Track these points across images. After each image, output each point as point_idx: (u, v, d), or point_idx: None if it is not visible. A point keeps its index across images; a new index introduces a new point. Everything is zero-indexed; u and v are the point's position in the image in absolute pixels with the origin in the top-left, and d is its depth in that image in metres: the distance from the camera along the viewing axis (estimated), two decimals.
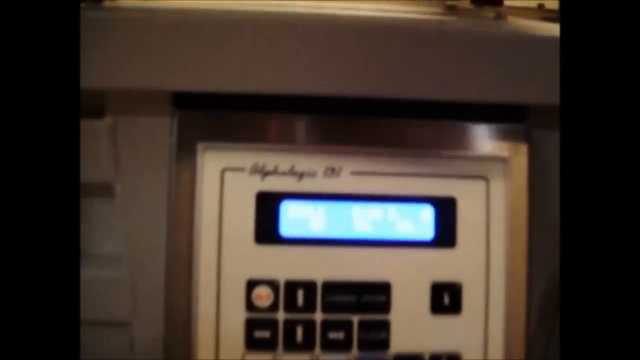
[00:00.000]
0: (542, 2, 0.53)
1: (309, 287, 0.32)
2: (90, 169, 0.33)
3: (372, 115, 0.32)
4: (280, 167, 0.32)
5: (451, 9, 0.41)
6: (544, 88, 0.31)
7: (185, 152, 0.32)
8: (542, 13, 0.51)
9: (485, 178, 0.33)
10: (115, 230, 0.35)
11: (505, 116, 0.33)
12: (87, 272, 0.35)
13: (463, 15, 0.39)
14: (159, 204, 0.33)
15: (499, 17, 0.37)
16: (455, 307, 0.33)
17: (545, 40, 0.32)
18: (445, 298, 0.33)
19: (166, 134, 0.33)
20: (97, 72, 0.30)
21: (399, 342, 0.32)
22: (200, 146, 0.32)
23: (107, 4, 0.36)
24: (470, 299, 0.33)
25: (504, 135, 0.33)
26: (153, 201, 0.33)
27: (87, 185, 0.35)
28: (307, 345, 0.32)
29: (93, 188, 0.35)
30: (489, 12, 0.42)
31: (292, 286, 0.32)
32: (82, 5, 0.34)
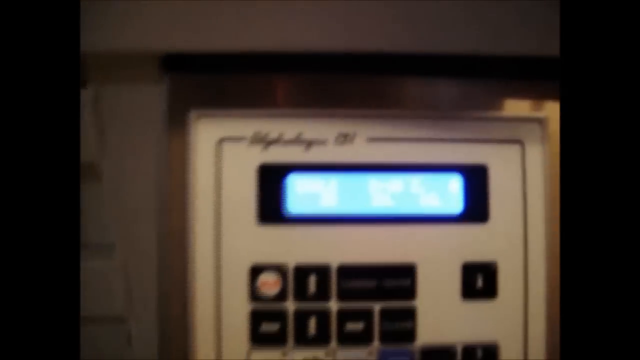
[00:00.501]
0: None
1: (322, 272, 0.29)
2: None
3: (389, 74, 0.29)
4: (286, 135, 0.29)
5: None
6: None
7: (176, 121, 0.29)
8: None
9: (520, 142, 0.30)
10: (103, 216, 0.32)
11: (541, 72, 0.29)
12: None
13: None
14: (150, 182, 0.30)
15: None
16: (489, 290, 0.29)
17: None
18: (479, 280, 0.29)
19: (156, 104, 0.29)
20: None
21: (426, 332, 0.29)
22: (193, 114, 0.29)
23: None
24: (507, 280, 0.29)
25: (540, 93, 0.30)
26: (144, 180, 0.30)
27: None
28: (322, 339, 0.29)
29: None
30: None
31: (302, 271, 0.29)
32: None
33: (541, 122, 0.29)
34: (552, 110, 0.30)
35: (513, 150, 0.29)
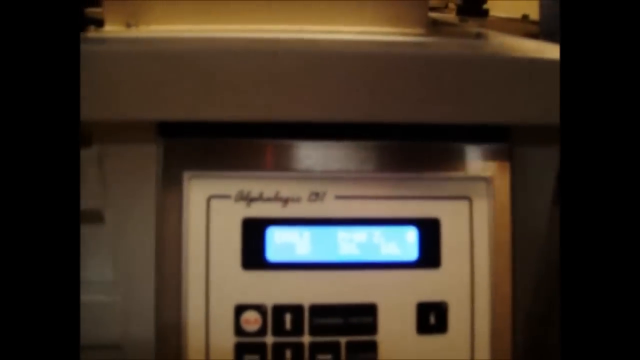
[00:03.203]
0: (526, 13, 0.54)
1: (296, 310, 0.32)
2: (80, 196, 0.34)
3: (353, 140, 0.33)
4: (265, 193, 0.33)
5: (434, 26, 0.42)
6: (525, 108, 0.32)
7: (171, 180, 0.32)
8: (526, 25, 0.51)
9: (468, 198, 0.33)
10: (105, 256, 0.35)
11: (488, 136, 0.33)
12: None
13: (445, 34, 0.40)
14: (147, 230, 0.34)
15: (480, 36, 0.37)
16: (441, 326, 0.33)
17: (526, 61, 0.32)
18: (431, 318, 0.33)
19: (152, 163, 0.33)
20: (82, 103, 0.30)
21: None
22: (186, 174, 0.32)
23: (91, 34, 0.36)
24: (456, 317, 0.33)
25: (487, 155, 0.34)
26: (141, 227, 0.34)
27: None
28: None
29: (83, 214, 0.35)
30: (473, 26, 0.42)
31: (279, 310, 0.32)
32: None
33: (487, 180, 0.33)
34: (497, 170, 0.34)
35: (462, 206, 0.33)
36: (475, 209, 0.33)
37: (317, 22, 0.38)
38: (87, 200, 0.34)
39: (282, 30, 0.37)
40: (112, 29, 0.38)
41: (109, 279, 0.35)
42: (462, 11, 0.53)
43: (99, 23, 0.39)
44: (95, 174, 0.34)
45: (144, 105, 0.31)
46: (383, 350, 0.33)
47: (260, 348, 0.32)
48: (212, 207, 0.33)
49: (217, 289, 0.32)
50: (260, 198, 0.33)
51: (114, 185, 0.34)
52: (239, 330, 0.32)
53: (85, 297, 0.35)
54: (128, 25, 0.38)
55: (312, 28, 0.37)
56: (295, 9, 0.38)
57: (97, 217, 0.35)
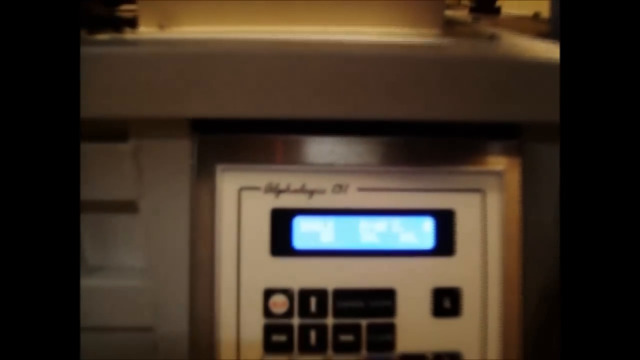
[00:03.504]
0: (538, 11, 0.56)
1: (320, 294, 0.35)
2: (115, 188, 0.36)
3: (374, 136, 0.35)
4: (292, 185, 0.35)
5: (449, 26, 0.44)
6: (535, 107, 0.34)
7: (204, 173, 0.35)
8: (537, 23, 0.53)
9: (481, 191, 0.36)
10: (139, 244, 0.38)
11: (500, 133, 0.36)
12: (113, 283, 0.38)
13: (460, 34, 0.42)
14: (181, 220, 0.36)
15: (493, 38, 0.39)
16: (455, 310, 0.35)
17: (535, 63, 0.34)
18: (446, 302, 0.35)
19: (186, 157, 0.35)
20: (120, 101, 0.33)
21: (404, 343, 0.35)
22: (218, 168, 0.35)
23: (127, 35, 0.39)
24: (469, 302, 0.35)
25: (499, 151, 0.36)
26: (175, 218, 0.36)
27: (113, 202, 0.38)
28: (320, 347, 0.35)
29: (118, 205, 0.38)
30: (486, 24, 0.44)
31: (305, 294, 0.35)
32: (104, 37, 0.37)
33: (499, 174, 0.36)
34: (508, 165, 0.36)
35: (476, 198, 0.36)
36: (488, 201, 0.36)
37: (339, 23, 0.40)
38: (124, 192, 0.37)
39: (305, 31, 0.39)
40: (146, 30, 0.40)
41: (142, 265, 0.38)
42: (475, 9, 0.55)
43: (133, 24, 0.41)
44: (132, 167, 0.36)
45: (178, 104, 0.33)
46: (401, 331, 0.35)
47: (287, 329, 0.35)
48: (242, 198, 0.35)
49: (247, 274, 0.35)
50: (287, 190, 0.35)
51: (149, 177, 0.36)
52: (267, 313, 0.35)
53: (120, 282, 0.39)
54: (161, 27, 0.41)
55: (335, 29, 0.39)
56: (318, 9, 0.40)
57: (132, 207, 0.37)
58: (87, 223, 0.39)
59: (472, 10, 0.55)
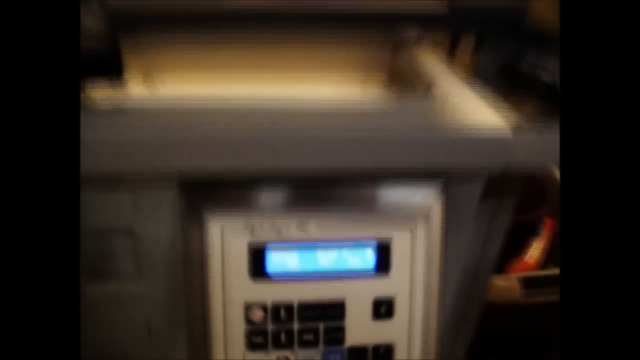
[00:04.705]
0: None
1: (288, 307, 0.45)
2: (115, 219, 0.45)
3: (328, 187, 0.45)
4: (265, 225, 0.45)
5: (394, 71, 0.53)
6: (459, 156, 0.43)
7: (193, 218, 0.44)
8: None
9: (411, 225, 0.46)
10: (135, 265, 0.47)
11: (426, 178, 0.46)
12: (114, 289, 0.47)
13: (403, 78, 0.51)
14: (172, 254, 0.45)
15: (428, 90, 0.48)
16: (389, 314, 0.46)
17: (464, 130, 0.44)
18: (383, 308, 0.46)
19: (175, 201, 0.44)
20: (113, 157, 0.38)
21: (351, 339, 0.46)
22: (204, 211, 0.44)
23: (118, 94, 0.46)
24: (400, 308, 0.46)
25: (426, 193, 0.46)
26: (169, 248, 0.45)
27: (111, 229, 0.46)
28: (289, 345, 0.45)
29: (116, 231, 0.46)
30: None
31: (276, 307, 0.45)
32: (97, 100, 0.44)
33: (426, 212, 0.46)
34: (433, 204, 0.46)
35: (407, 231, 0.46)
36: (417, 234, 0.46)
37: (301, 82, 0.48)
38: (122, 220, 0.45)
39: (269, 91, 0.47)
40: (132, 86, 0.47)
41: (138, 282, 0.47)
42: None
43: (118, 71, 0.47)
44: (130, 209, 0.44)
45: (166, 159, 0.38)
46: (349, 331, 0.46)
47: (263, 333, 0.45)
48: (225, 235, 0.44)
49: (231, 293, 0.45)
50: (261, 228, 0.45)
51: (144, 214, 0.44)
52: (248, 321, 0.45)
53: (119, 288, 0.48)
54: (145, 80, 0.48)
55: (299, 88, 0.48)
56: (281, 71, 0.48)
57: (129, 233, 0.45)
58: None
59: None
